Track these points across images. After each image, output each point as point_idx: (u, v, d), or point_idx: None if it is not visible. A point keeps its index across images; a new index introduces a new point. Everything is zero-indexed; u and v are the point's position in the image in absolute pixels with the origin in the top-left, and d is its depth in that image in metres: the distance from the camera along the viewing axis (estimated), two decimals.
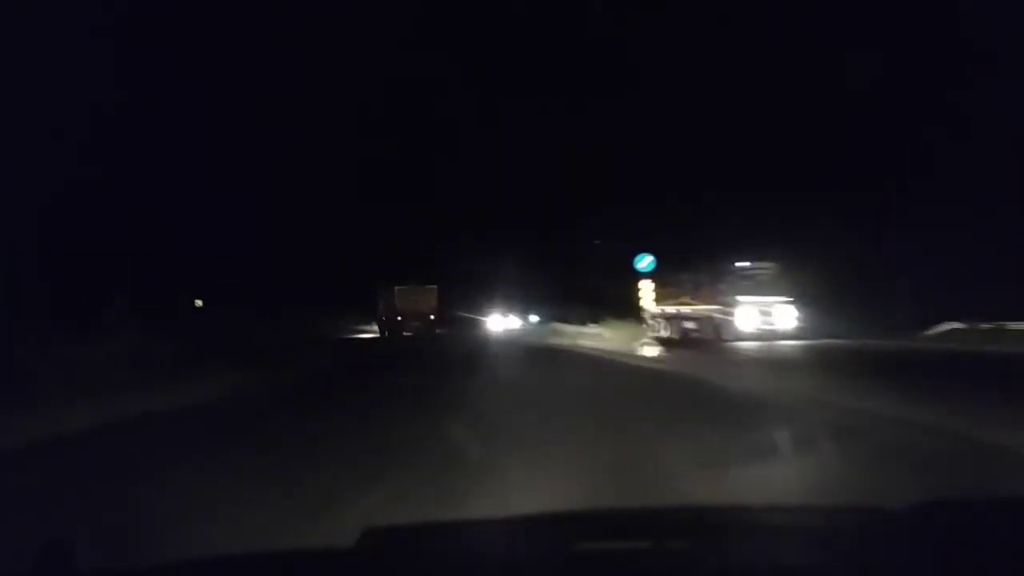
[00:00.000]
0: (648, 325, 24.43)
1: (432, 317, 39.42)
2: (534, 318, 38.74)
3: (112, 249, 35.99)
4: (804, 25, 27.54)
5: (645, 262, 22.46)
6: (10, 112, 17.83)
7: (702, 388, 10.78)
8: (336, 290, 48.22)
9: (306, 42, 42.06)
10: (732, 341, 20.99)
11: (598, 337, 23.66)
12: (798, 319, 21.63)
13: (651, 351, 18.98)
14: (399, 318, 39.24)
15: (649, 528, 1.86)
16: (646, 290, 22.26)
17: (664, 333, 24.73)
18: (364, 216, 51.29)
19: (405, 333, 38.29)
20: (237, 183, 42.72)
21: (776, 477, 5.01)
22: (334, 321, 44.87)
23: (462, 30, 45.00)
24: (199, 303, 44.36)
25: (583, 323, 27.76)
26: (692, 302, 23.70)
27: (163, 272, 40.78)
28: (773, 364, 14.92)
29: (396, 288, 39.85)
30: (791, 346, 19.28)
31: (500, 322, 39.44)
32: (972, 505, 2.09)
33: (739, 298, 21.89)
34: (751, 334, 21.41)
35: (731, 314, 21.90)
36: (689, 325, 23.85)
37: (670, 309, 24.72)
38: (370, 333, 42.61)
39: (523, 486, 4.78)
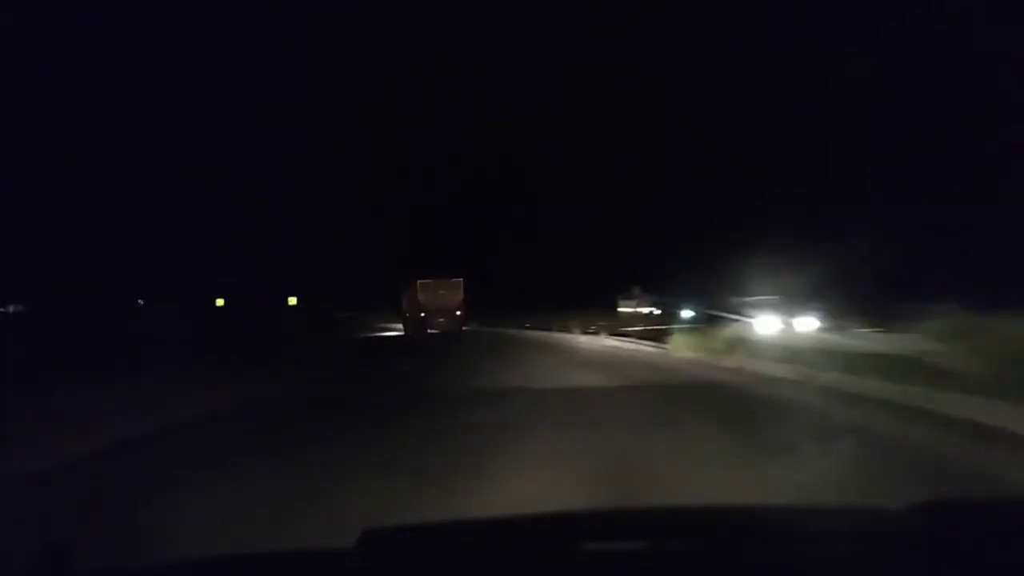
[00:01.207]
0: None
1: (459, 313, 36.34)
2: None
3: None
4: (804, 25, 26.32)
5: None
6: (10, 112, 18.40)
7: None
8: (371, 288, 49.16)
9: (306, 42, 43.31)
10: None
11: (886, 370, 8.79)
12: None
13: None
14: (422, 314, 35.98)
15: (649, 528, 1.79)
16: None
17: None
18: (395, 214, 52.86)
19: (429, 331, 35.10)
20: (254, 184, 45.55)
21: None
22: (367, 319, 44.26)
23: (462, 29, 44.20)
24: (293, 301, 47.44)
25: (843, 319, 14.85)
26: None
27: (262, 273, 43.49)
28: None
29: (418, 282, 36.94)
30: None
31: (773, 323, 18.45)
32: (972, 505, 2.05)
33: None
34: None
35: None
36: None
37: None
38: (396, 331, 40.05)
39: None
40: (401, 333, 38.31)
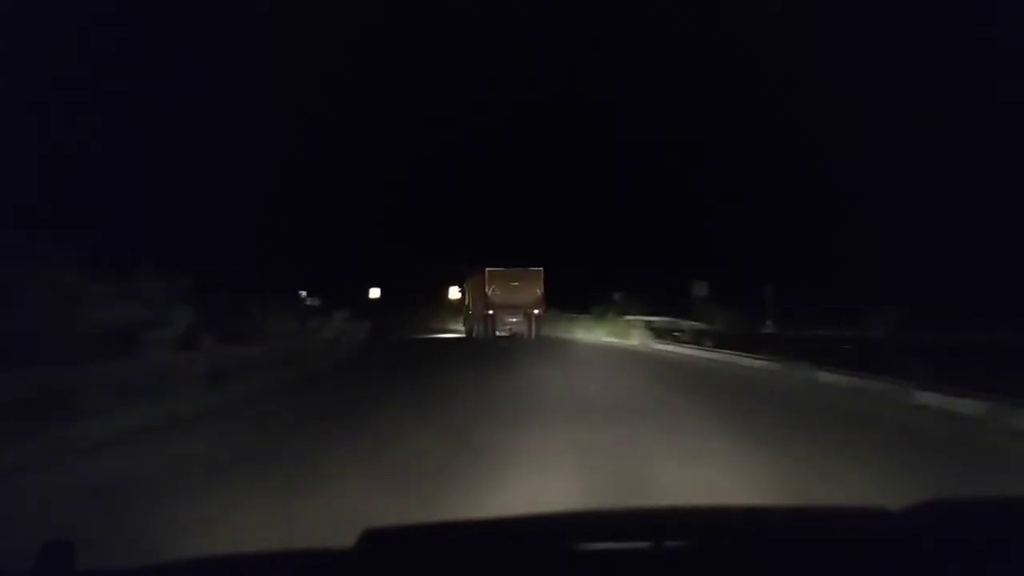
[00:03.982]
0: None
1: (536, 311, 29.70)
2: None
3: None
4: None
5: None
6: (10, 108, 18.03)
7: None
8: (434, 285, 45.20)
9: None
10: None
11: None
12: None
13: None
14: (489, 312, 29.39)
15: (649, 528, 1.79)
16: None
17: None
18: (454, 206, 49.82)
19: (498, 333, 29.29)
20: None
21: None
22: (423, 318, 40.20)
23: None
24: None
25: None
26: None
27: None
28: None
29: (487, 271, 30.33)
30: None
31: None
32: (972, 506, 2.08)
33: None
34: None
35: None
36: None
37: None
38: (456, 332, 34.25)
39: None
40: (461, 335, 33.17)
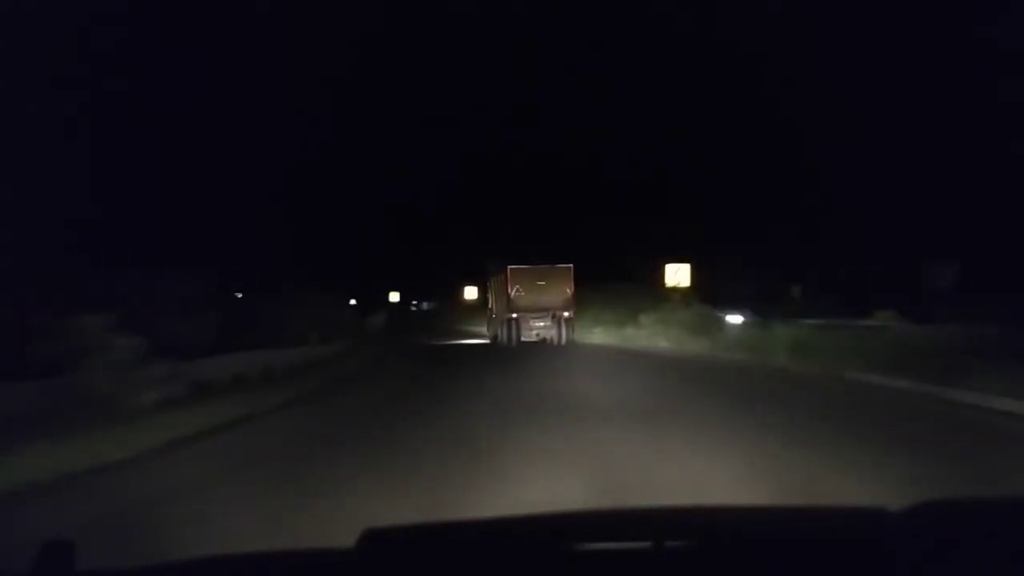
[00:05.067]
0: None
1: (566, 314, 26.89)
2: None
3: None
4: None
5: None
6: (13, 107, 17.83)
7: None
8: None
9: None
10: None
11: None
12: None
13: None
14: (514, 315, 26.80)
15: (649, 528, 1.79)
16: None
17: None
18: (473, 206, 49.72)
19: (523, 339, 26.71)
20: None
21: None
22: (449, 319, 39.13)
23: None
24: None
25: None
26: None
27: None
28: None
29: (509, 268, 27.49)
30: None
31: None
32: (973, 506, 2.08)
33: None
34: None
35: None
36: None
37: None
38: (481, 337, 31.71)
39: None
40: (485, 340, 30.56)
